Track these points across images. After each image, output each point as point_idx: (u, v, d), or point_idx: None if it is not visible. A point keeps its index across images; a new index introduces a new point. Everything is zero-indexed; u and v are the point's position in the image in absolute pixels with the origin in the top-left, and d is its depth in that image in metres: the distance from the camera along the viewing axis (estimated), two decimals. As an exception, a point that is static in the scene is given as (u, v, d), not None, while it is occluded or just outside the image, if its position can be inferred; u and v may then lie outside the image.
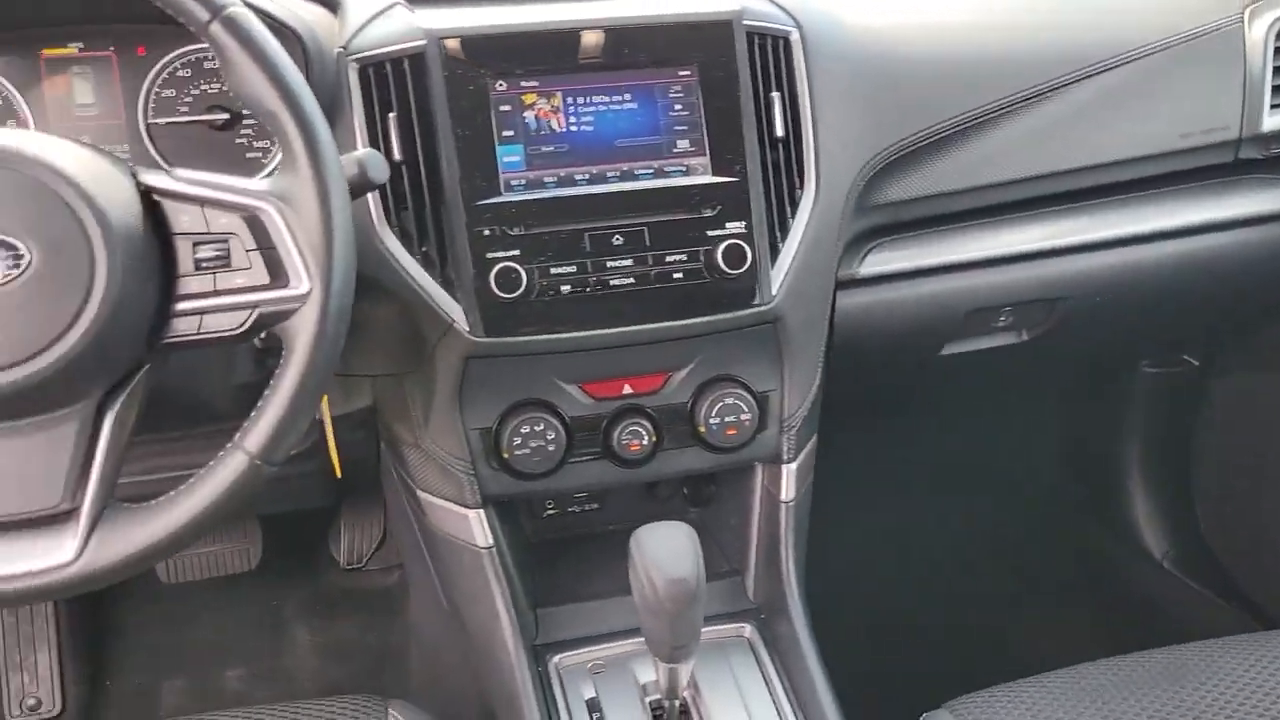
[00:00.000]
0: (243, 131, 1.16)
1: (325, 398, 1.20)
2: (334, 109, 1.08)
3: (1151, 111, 1.35)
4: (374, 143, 1.08)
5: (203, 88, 1.15)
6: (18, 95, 1.12)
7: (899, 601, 1.98)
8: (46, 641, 1.79)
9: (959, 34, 1.33)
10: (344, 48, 1.09)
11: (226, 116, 1.14)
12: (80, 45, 1.13)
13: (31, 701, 1.79)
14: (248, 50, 0.85)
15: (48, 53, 1.12)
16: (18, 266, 0.80)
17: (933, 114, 1.26)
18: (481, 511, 1.16)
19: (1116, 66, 1.33)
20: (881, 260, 1.29)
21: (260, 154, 1.16)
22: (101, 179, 0.84)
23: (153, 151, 1.15)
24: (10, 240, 0.80)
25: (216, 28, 0.84)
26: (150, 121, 1.14)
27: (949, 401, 1.97)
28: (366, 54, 1.08)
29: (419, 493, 1.20)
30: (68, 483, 0.83)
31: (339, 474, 1.27)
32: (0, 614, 1.81)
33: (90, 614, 1.87)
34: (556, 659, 1.18)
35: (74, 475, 0.83)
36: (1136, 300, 1.44)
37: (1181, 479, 1.97)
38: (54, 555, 0.82)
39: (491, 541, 1.17)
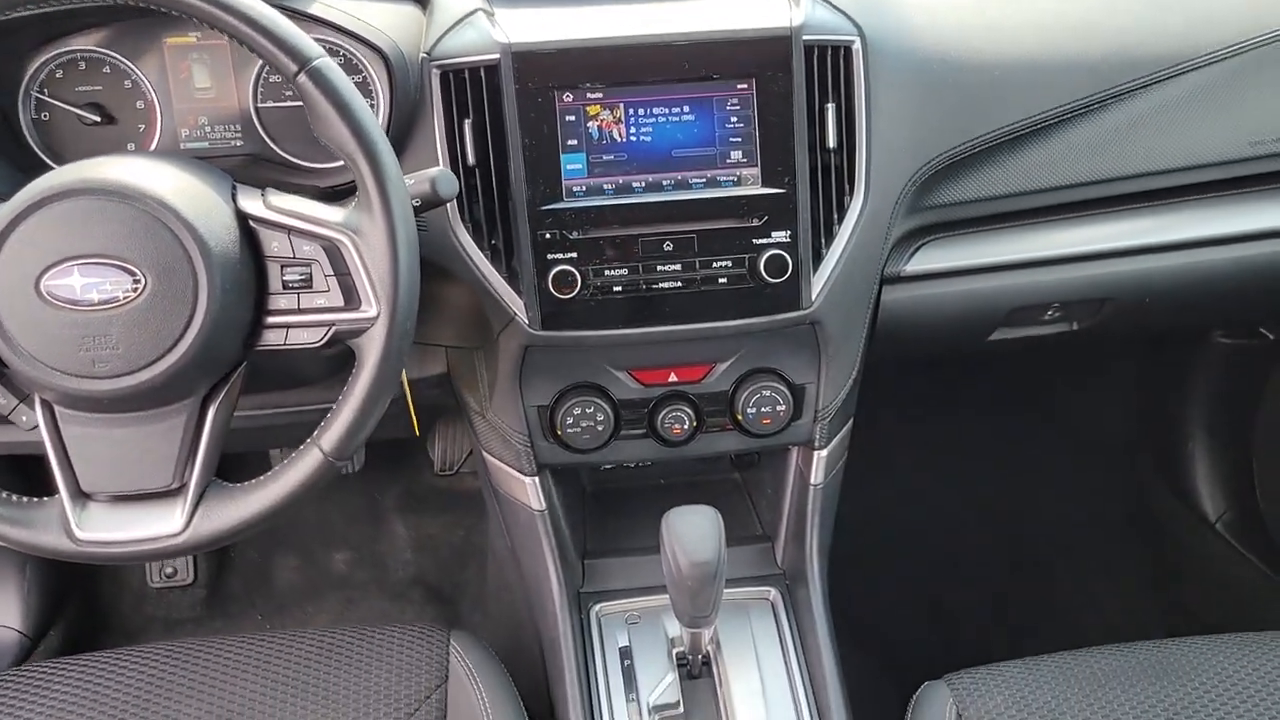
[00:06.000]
0: None
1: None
2: (417, 110, 1.17)
3: (1222, 118, 1.33)
4: (450, 144, 1.17)
5: None
6: (145, 79, 1.22)
7: (937, 573, 2.06)
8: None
9: (1028, 35, 1.30)
10: (428, 54, 1.17)
11: None
12: (199, 34, 1.23)
13: (169, 570, 2.07)
14: (330, 100, 0.95)
15: (170, 41, 1.22)
16: (136, 289, 0.94)
17: (988, 121, 1.27)
18: (537, 479, 1.30)
19: (1201, 68, 1.31)
20: (929, 258, 1.33)
21: None
22: (204, 208, 0.96)
23: (261, 131, 1.25)
24: (129, 266, 0.94)
25: (303, 79, 0.95)
26: (259, 105, 1.25)
27: (1004, 376, 2.00)
28: (446, 62, 1.16)
29: (484, 455, 1.34)
30: (178, 465, 0.99)
31: (417, 432, 1.41)
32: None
33: None
34: (598, 607, 1.33)
35: (182, 459, 0.99)
36: (1191, 300, 1.45)
37: (1243, 445, 1.99)
38: (165, 525, 0.98)
39: (544, 505, 1.30)
